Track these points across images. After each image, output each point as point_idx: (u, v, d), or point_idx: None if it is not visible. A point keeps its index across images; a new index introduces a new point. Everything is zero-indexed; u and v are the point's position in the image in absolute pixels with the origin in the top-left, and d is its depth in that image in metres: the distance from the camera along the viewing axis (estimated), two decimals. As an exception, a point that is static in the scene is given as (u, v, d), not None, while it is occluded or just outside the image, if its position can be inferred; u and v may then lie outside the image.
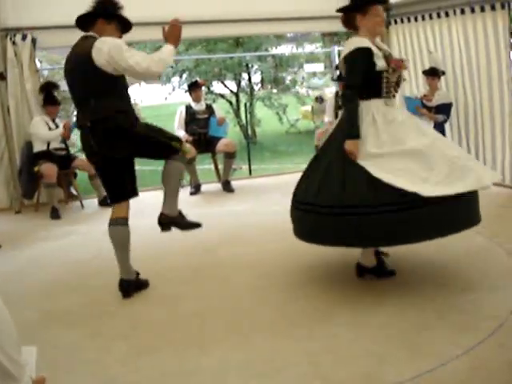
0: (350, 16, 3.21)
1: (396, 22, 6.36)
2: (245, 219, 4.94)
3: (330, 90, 12.23)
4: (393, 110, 3.17)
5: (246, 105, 9.35)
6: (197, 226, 3.40)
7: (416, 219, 2.92)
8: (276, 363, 2.48)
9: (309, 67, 15.24)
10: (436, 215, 2.94)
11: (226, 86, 12.67)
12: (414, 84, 6.26)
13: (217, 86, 12.70)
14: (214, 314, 3.05)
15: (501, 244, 3.75)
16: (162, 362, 2.58)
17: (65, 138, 5.75)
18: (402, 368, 2.36)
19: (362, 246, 3.18)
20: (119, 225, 3.28)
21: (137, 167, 3.40)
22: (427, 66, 5.78)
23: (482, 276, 3.28)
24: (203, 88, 6.89)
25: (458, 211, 3.02)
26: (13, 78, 5.67)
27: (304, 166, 3.43)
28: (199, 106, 6.34)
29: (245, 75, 12.68)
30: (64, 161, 5.75)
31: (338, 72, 6.40)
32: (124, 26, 3.28)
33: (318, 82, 14.61)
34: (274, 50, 13.21)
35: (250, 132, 11.01)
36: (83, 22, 3.24)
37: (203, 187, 6.30)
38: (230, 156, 6.18)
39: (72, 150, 6.12)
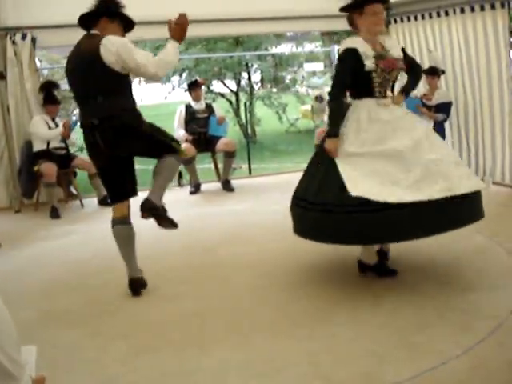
0: (351, 16, 3.24)
1: (396, 21, 6.36)
2: (245, 218, 4.94)
3: (330, 90, 12.19)
4: (383, 109, 3.17)
5: (245, 104, 9.34)
6: (174, 225, 3.29)
7: (417, 215, 2.93)
8: (276, 363, 2.48)
9: (308, 66, 15.22)
10: (435, 211, 2.94)
11: (225, 85, 12.66)
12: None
13: (217, 85, 12.70)
14: (214, 313, 3.05)
15: (501, 243, 3.75)
16: (161, 361, 2.58)
17: (64, 138, 5.75)
18: (402, 367, 2.36)
19: (362, 243, 3.20)
20: (123, 224, 3.28)
21: (137, 166, 3.40)
22: (427, 65, 5.77)
23: (481, 275, 3.28)
24: (203, 87, 6.89)
25: (462, 207, 3.02)
26: (12, 77, 5.66)
27: (304, 165, 3.44)
28: (199, 105, 6.34)
29: (245, 74, 12.67)
30: (64, 160, 5.75)
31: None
32: (126, 24, 3.29)
33: (318, 81, 14.59)
34: (274, 49, 13.19)
35: (249, 131, 11.00)
36: (86, 20, 3.24)
37: (203, 186, 6.30)
38: (229, 155, 6.18)
39: (72, 150, 6.12)
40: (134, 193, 3.36)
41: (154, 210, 3.18)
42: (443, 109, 5.52)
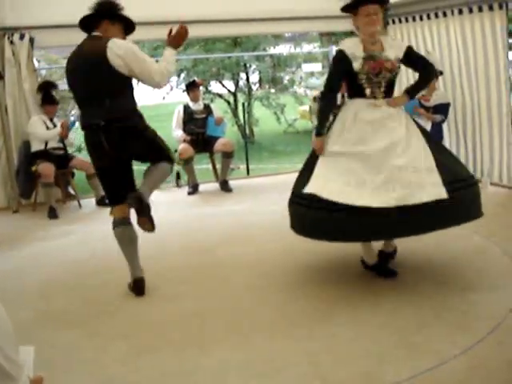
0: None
1: (394, 21, 6.37)
2: (243, 219, 4.94)
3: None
4: (371, 109, 3.18)
5: (243, 104, 9.34)
6: (152, 228, 3.22)
7: (418, 212, 2.94)
8: (276, 363, 2.48)
9: (307, 67, 15.24)
10: (435, 209, 2.95)
11: (223, 85, 12.66)
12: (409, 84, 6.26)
13: (215, 86, 12.70)
14: (214, 313, 3.05)
15: (498, 243, 3.75)
16: (161, 361, 2.58)
17: (62, 138, 5.74)
18: (402, 367, 2.36)
19: (361, 240, 3.22)
20: (124, 224, 3.27)
21: (134, 167, 3.40)
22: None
23: (479, 275, 3.28)
24: (201, 88, 6.89)
25: (459, 205, 3.03)
26: (11, 77, 5.65)
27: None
28: (197, 106, 6.33)
29: (243, 75, 12.68)
30: (62, 160, 5.74)
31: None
32: (127, 26, 3.31)
33: (316, 82, 14.60)
34: (272, 50, 13.21)
35: (247, 132, 11.00)
36: (87, 22, 3.24)
37: (201, 187, 6.30)
38: (227, 156, 6.18)
39: (70, 150, 6.10)
40: None
41: (140, 202, 3.12)
42: (441, 110, 5.52)
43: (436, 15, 5.70)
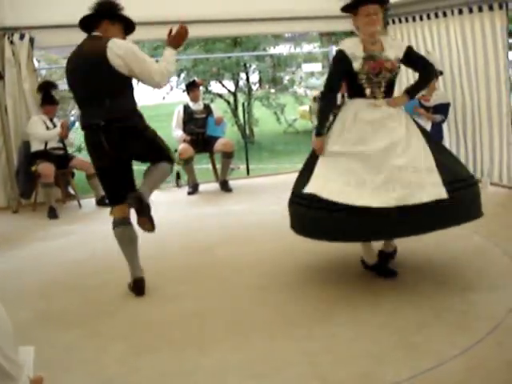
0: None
1: (394, 21, 6.37)
2: (243, 219, 4.94)
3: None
4: (371, 109, 3.18)
5: (243, 104, 9.34)
6: (152, 228, 3.21)
7: (418, 212, 2.94)
8: (275, 363, 2.48)
9: (307, 67, 15.24)
10: (435, 209, 2.96)
11: (223, 85, 12.66)
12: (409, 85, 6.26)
13: (215, 86, 12.70)
14: (214, 313, 3.05)
15: (498, 243, 3.75)
16: (161, 361, 2.58)
17: (62, 138, 5.74)
18: (401, 368, 2.36)
19: (361, 240, 3.23)
20: (124, 224, 3.27)
21: (134, 167, 3.40)
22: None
23: (479, 275, 3.28)
24: (201, 88, 6.89)
25: (459, 205, 3.03)
26: (11, 77, 5.65)
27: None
28: (197, 106, 6.34)
29: (243, 75, 12.68)
30: (61, 160, 5.74)
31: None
32: (127, 27, 3.31)
33: (316, 82, 14.60)
34: (272, 50, 13.21)
35: (247, 132, 11.01)
36: (87, 22, 3.25)
37: (201, 187, 6.30)
38: (227, 156, 6.18)
39: (70, 150, 6.10)
40: None
41: (140, 202, 3.12)
42: (441, 110, 5.53)
43: (436, 15, 5.70)
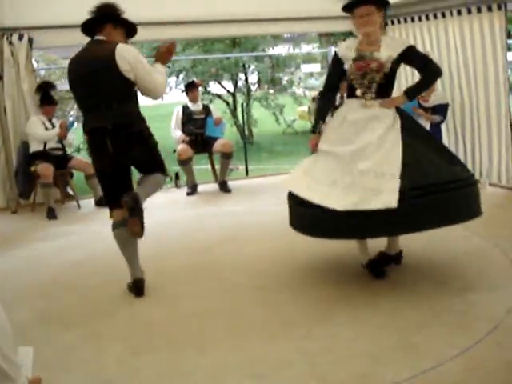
0: None
1: (393, 22, 6.37)
2: (242, 219, 4.94)
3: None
4: (360, 110, 3.21)
5: (242, 105, 9.37)
6: (141, 233, 3.17)
7: (416, 210, 2.95)
8: (275, 363, 2.48)
9: (306, 68, 15.27)
10: (432, 206, 2.97)
11: (222, 86, 12.67)
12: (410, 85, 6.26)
13: (214, 87, 12.70)
14: (213, 313, 3.05)
15: (497, 244, 3.76)
16: (160, 362, 2.58)
17: (61, 138, 5.74)
18: (401, 368, 2.36)
19: (358, 237, 3.25)
20: (123, 226, 3.27)
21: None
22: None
23: (478, 276, 3.29)
24: (200, 88, 6.89)
25: (459, 204, 3.04)
26: (9, 77, 5.65)
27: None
28: (196, 107, 6.34)
29: (242, 75, 12.69)
30: (60, 161, 5.74)
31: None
32: (129, 30, 3.33)
33: (315, 83, 14.63)
34: (271, 51, 13.23)
35: (246, 132, 11.02)
36: (89, 26, 3.26)
37: (200, 187, 6.29)
38: (226, 156, 6.18)
39: (68, 150, 6.10)
40: None
41: (135, 202, 3.12)
42: (440, 110, 5.53)
43: (435, 16, 5.70)
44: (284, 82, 13.23)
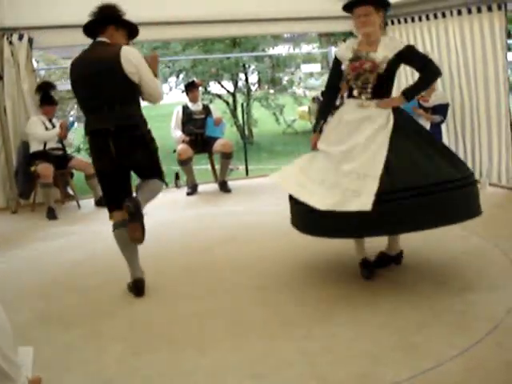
0: None
1: (393, 22, 6.37)
2: (242, 219, 4.94)
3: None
4: (356, 110, 3.21)
5: (242, 105, 9.37)
6: (141, 236, 3.15)
7: (411, 208, 2.95)
8: (275, 363, 2.48)
9: (306, 68, 15.28)
10: (429, 206, 2.97)
11: (222, 86, 12.67)
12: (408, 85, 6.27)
13: (214, 87, 12.71)
14: (213, 313, 3.05)
15: (497, 244, 3.76)
16: (160, 362, 2.58)
17: (61, 138, 5.74)
18: (401, 368, 2.36)
19: (355, 237, 3.26)
20: (124, 226, 3.27)
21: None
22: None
23: (478, 276, 3.29)
24: (200, 88, 6.89)
25: (458, 203, 3.04)
26: (9, 77, 5.65)
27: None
28: (196, 107, 6.34)
29: (242, 75, 12.69)
30: (60, 161, 5.74)
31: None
32: (130, 32, 3.34)
33: (315, 83, 14.63)
34: (271, 51, 13.23)
35: (246, 132, 11.02)
36: (91, 27, 3.26)
37: (200, 187, 6.30)
38: (226, 156, 6.18)
39: (68, 150, 6.10)
40: None
41: (136, 206, 3.13)
42: (440, 110, 5.53)
43: (435, 16, 5.70)
44: (284, 82, 13.23)
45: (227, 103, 12.52)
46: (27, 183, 5.69)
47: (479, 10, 5.16)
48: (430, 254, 3.67)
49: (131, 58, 3.14)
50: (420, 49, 5.97)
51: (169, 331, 2.88)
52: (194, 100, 6.34)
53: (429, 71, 3.29)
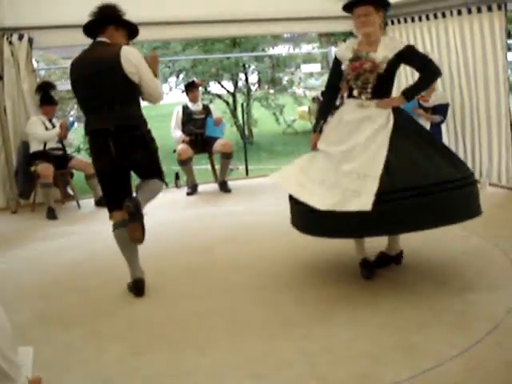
0: None
1: (393, 22, 6.37)
2: (242, 219, 4.95)
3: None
4: (356, 110, 3.22)
5: (242, 105, 9.37)
6: (141, 236, 3.16)
7: (410, 208, 2.95)
8: (274, 363, 2.48)
9: (306, 68, 15.28)
10: (429, 206, 2.97)
11: (222, 86, 12.67)
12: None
13: (214, 87, 12.71)
14: (213, 313, 3.05)
15: (497, 244, 3.76)
16: (160, 362, 2.58)
17: (61, 138, 5.74)
18: (401, 368, 2.36)
19: (355, 237, 3.26)
20: (124, 226, 3.27)
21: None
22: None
23: (478, 276, 3.29)
24: (200, 88, 6.89)
25: (458, 203, 3.04)
26: (9, 77, 5.65)
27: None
28: (196, 107, 6.34)
29: (242, 75, 12.69)
30: (60, 161, 5.74)
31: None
32: (130, 32, 3.35)
33: (315, 83, 14.63)
34: (271, 51, 13.23)
35: (246, 132, 11.02)
36: (92, 27, 3.27)
37: (200, 187, 6.30)
38: (226, 156, 6.18)
39: (69, 150, 6.10)
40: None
41: (137, 207, 3.13)
42: (440, 110, 5.53)
43: (435, 16, 5.70)
44: (284, 82, 13.24)
45: (227, 103, 12.52)
46: (27, 183, 5.69)
47: (479, 10, 5.16)
48: (430, 254, 3.67)
49: (131, 58, 3.14)
50: (420, 49, 5.97)
51: (169, 331, 2.88)
52: (194, 100, 6.34)
53: (429, 71, 3.29)
